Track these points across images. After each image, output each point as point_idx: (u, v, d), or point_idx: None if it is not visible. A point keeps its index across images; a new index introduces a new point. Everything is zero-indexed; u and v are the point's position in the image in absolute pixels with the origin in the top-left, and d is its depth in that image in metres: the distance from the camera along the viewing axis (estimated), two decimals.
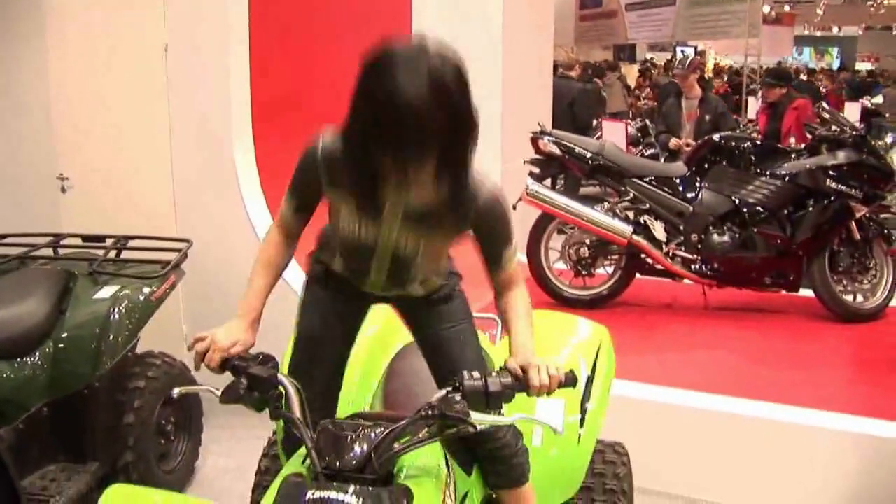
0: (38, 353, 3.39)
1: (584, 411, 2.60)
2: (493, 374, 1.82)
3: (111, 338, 3.51)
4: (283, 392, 1.90)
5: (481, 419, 1.76)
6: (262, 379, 1.87)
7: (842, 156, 5.10)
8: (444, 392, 1.79)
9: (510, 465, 2.29)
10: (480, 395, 1.78)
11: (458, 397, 1.76)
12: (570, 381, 1.88)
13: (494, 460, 2.29)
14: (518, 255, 2.14)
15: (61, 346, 3.45)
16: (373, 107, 1.69)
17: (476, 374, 1.79)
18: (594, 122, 10.30)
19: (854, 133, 5.22)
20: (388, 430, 1.73)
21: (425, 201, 1.93)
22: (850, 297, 5.17)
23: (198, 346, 1.97)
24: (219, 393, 1.88)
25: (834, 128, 5.39)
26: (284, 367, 2.39)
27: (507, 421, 1.85)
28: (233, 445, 4.34)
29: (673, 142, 7.41)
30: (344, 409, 2.43)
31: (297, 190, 2.14)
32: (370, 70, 1.71)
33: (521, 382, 1.85)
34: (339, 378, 2.38)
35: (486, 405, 1.79)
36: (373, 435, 1.72)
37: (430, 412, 1.75)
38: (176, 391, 1.99)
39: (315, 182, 2.05)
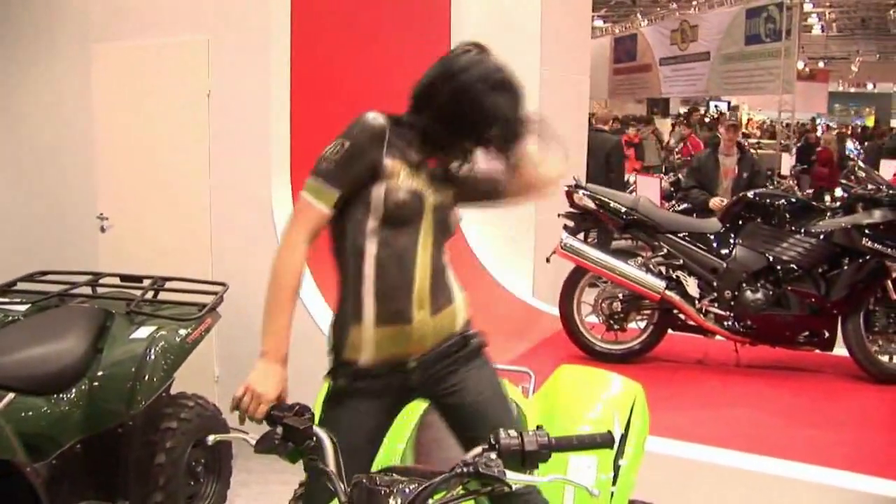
0: (73, 391, 3.43)
1: (616, 469, 2.58)
2: (531, 432, 1.79)
3: (146, 378, 3.55)
4: (319, 444, 1.89)
5: (517, 479, 1.72)
6: (298, 430, 1.86)
7: (878, 214, 5.07)
8: (479, 449, 1.77)
9: None
10: (517, 453, 1.75)
11: (493, 455, 1.73)
12: (606, 441, 1.87)
13: None
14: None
15: (97, 384, 3.49)
16: (488, 92, 2.13)
17: (513, 433, 1.77)
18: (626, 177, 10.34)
19: (890, 192, 5.19)
20: (422, 487, 1.71)
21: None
22: (885, 358, 5.10)
23: (242, 403, 2.00)
24: (253, 442, 1.88)
25: (870, 186, 5.38)
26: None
27: (543, 480, 1.80)
28: (261, 490, 4.34)
29: (714, 202, 7.19)
30: (376, 461, 2.43)
31: (348, 171, 2.13)
32: (465, 58, 2.17)
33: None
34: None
35: (522, 464, 1.76)
36: (407, 490, 1.70)
37: (465, 469, 1.72)
38: (211, 438, 2.00)
39: (376, 150, 2.14)
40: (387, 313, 2.17)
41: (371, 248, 2.16)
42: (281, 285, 2.15)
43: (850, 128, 24.39)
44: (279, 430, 1.87)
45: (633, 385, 2.96)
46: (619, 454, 2.63)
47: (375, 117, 2.19)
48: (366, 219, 2.15)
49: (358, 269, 2.17)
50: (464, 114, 2.12)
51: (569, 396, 2.81)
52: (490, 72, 2.15)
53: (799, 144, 15.72)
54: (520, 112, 2.16)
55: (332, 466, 1.85)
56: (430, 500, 1.74)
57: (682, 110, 24.00)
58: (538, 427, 1.85)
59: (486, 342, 2.36)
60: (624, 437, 2.67)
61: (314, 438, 1.89)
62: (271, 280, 2.15)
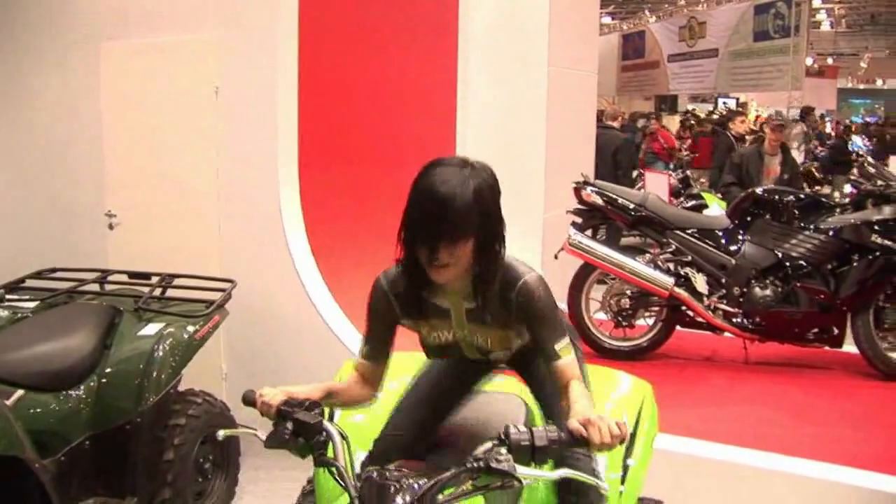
0: (82, 387, 3.45)
1: (625, 468, 2.57)
2: (541, 428, 1.79)
3: (154, 374, 3.56)
4: (329, 439, 1.90)
5: (526, 473, 1.73)
6: (308, 425, 1.87)
7: (888, 210, 5.04)
8: (489, 444, 1.77)
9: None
10: (526, 449, 1.75)
11: (503, 450, 1.73)
12: (625, 434, 1.86)
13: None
14: (572, 353, 2.13)
15: (105, 380, 3.51)
16: (418, 200, 1.95)
17: (522, 428, 1.76)
18: (634, 173, 10.34)
19: None
20: (432, 482, 1.72)
21: (474, 301, 2.14)
22: (895, 355, 5.08)
23: (261, 390, 2.02)
24: (263, 437, 1.89)
25: (879, 182, 5.35)
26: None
27: (553, 476, 1.82)
28: (269, 486, 4.35)
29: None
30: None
31: (371, 330, 2.26)
32: (420, 176, 1.98)
33: (578, 439, 1.81)
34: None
35: (532, 459, 1.76)
36: (416, 486, 1.71)
37: (475, 465, 1.73)
38: (221, 433, 2.01)
39: (390, 313, 2.22)
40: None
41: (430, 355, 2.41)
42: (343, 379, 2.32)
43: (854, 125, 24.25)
44: (289, 425, 1.88)
45: (642, 384, 2.95)
46: (628, 453, 2.62)
47: (379, 282, 2.22)
48: None
49: None
50: (405, 235, 2.03)
51: None
52: (426, 182, 1.95)
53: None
54: (443, 215, 1.92)
55: (341, 461, 1.86)
56: (440, 496, 1.75)
57: (690, 107, 23.94)
58: (548, 422, 1.85)
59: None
60: (633, 436, 2.67)
61: (324, 433, 1.89)
62: None
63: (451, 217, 1.91)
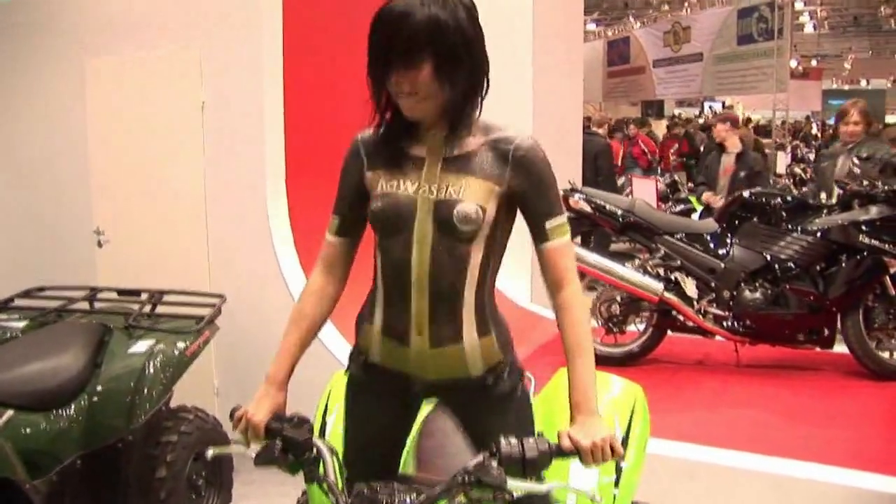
0: (73, 406, 3.42)
1: (618, 471, 2.57)
2: (531, 439, 1.77)
3: (145, 392, 3.54)
4: (319, 455, 1.88)
5: (518, 486, 1.71)
6: (298, 442, 1.85)
7: (874, 211, 5.07)
8: (480, 457, 1.75)
9: None
10: (517, 461, 1.73)
11: (494, 463, 1.72)
12: (618, 455, 1.85)
13: None
14: (568, 235, 1.99)
15: (96, 399, 3.48)
16: (373, 24, 1.86)
17: (513, 440, 1.74)
18: (621, 180, 10.42)
19: (886, 188, 5.19)
20: (423, 497, 1.72)
21: (458, 147, 1.96)
22: (886, 354, 5.10)
23: (239, 427, 1.97)
24: (253, 454, 1.87)
25: (865, 182, 5.37)
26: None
27: (544, 489, 1.78)
28: (262, 501, 4.33)
29: (706, 196, 7.42)
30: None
31: (341, 196, 2.11)
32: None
33: (569, 453, 1.80)
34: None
35: (523, 472, 1.74)
36: (408, 500, 1.71)
37: (465, 478, 1.71)
38: (210, 451, 1.99)
39: (357, 166, 2.06)
40: (390, 326, 2.05)
41: (379, 259, 2.05)
42: (291, 313, 2.14)
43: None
44: (278, 442, 1.86)
45: (634, 387, 2.95)
46: (621, 457, 2.62)
47: (355, 137, 2.11)
48: (375, 232, 2.08)
49: (375, 276, 2.09)
50: (371, 67, 1.93)
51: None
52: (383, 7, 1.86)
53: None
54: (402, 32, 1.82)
55: (332, 477, 1.84)
56: None
57: (677, 111, 24.04)
58: (539, 434, 1.84)
59: (516, 385, 2.11)
60: (625, 440, 2.67)
61: (314, 450, 1.88)
62: None
63: (403, 34, 1.81)
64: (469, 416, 2.11)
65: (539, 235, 1.97)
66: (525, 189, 1.96)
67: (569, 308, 1.96)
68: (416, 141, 2.00)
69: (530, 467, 1.74)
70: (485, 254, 1.98)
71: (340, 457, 2.00)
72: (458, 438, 2.28)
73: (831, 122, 20.84)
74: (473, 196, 1.92)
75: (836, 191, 5.71)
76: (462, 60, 1.88)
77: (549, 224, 1.95)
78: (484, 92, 1.97)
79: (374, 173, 2.03)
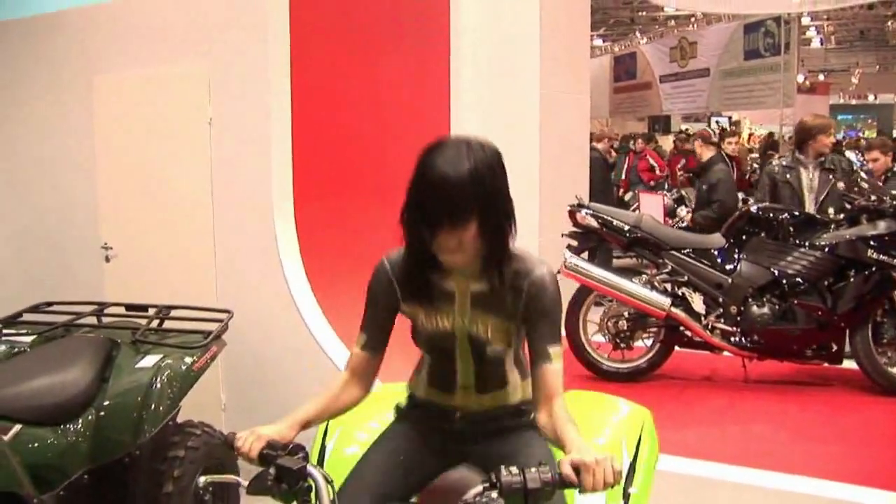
0: (80, 421, 3.43)
1: (627, 497, 2.54)
2: (533, 469, 1.73)
3: (153, 407, 3.54)
4: (313, 485, 1.85)
5: None
6: (291, 471, 1.82)
7: (882, 226, 5.05)
8: (480, 487, 1.72)
9: None
10: (519, 492, 1.69)
11: (494, 494, 1.69)
12: (618, 479, 1.83)
13: None
14: (562, 363, 2.10)
15: (103, 413, 3.49)
16: (417, 184, 1.91)
17: (514, 470, 1.71)
18: (628, 195, 10.44)
19: (894, 202, 5.18)
20: None
21: (484, 283, 2.08)
22: (895, 370, 5.07)
23: (238, 439, 1.98)
24: (245, 483, 1.85)
25: (873, 198, 5.36)
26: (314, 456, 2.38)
27: None
28: None
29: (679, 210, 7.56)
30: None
31: (372, 317, 2.20)
32: (419, 159, 1.94)
33: (571, 483, 1.76)
34: None
35: (525, 503, 1.71)
36: None
37: None
38: (202, 480, 1.99)
39: (391, 297, 2.16)
40: (437, 383, 2.27)
41: (424, 357, 2.28)
42: (332, 385, 2.22)
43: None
44: (272, 470, 1.83)
45: (642, 410, 2.93)
46: (630, 482, 2.59)
47: (382, 264, 2.19)
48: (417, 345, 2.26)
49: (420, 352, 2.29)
50: (411, 219, 1.98)
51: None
52: (429, 163, 1.92)
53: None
54: (446, 194, 1.88)
55: None
56: None
57: (684, 127, 24.01)
58: (541, 463, 1.79)
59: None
60: (633, 464, 2.64)
61: (308, 479, 1.85)
62: None
63: (449, 200, 1.87)
64: (503, 438, 2.25)
65: (541, 356, 2.08)
66: (534, 318, 2.09)
67: (557, 411, 2.03)
68: (446, 274, 2.12)
69: (532, 498, 1.70)
70: (514, 351, 2.21)
71: (343, 477, 2.10)
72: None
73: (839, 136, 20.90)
74: (499, 339, 2.14)
75: (809, 203, 5.82)
76: (500, 211, 1.97)
77: (552, 350, 2.07)
78: (514, 232, 2.04)
79: (411, 307, 2.18)
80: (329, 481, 1.86)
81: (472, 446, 2.26)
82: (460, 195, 1.87)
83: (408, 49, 5.17)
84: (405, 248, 2.08)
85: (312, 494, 1.85)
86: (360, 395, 2.23)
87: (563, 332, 5.14)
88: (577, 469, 1.75)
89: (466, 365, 2.19)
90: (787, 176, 6.05)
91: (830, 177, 6.01)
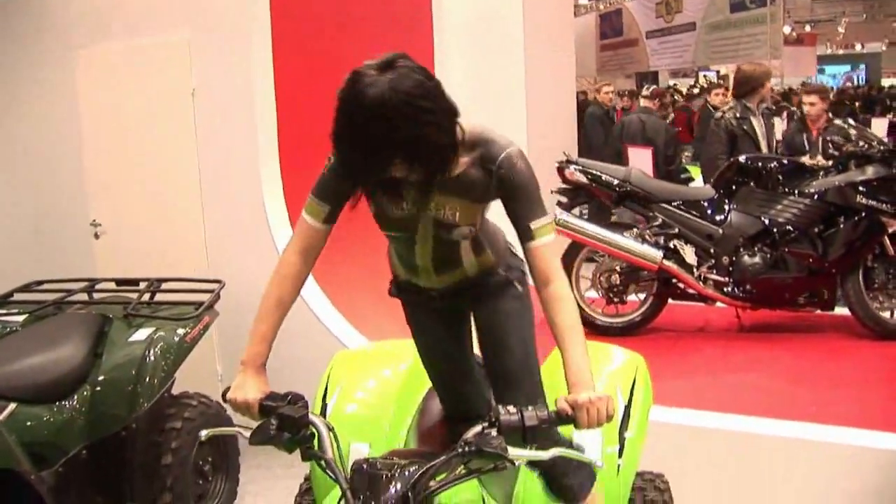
0: (75, 397, 3.43)
1: (622, 441, 2.57)
2: (530, 408, 1.77)
3: (147, 379, 3.55)
4: (315, 432, 1.86)
5: (518, 454, 1.71)
6: (293, 419, 1.82)
7: (871, 171, 5.04)
8: (479, 427, 1.75)
9: (562, 486, 2.32)
10: (517, 430, 1.73)
11: (494, 433, 1.72)
12: (611, 418, 1.86)
13: (550, 483, 2.34)
14: (553, 234, 2.06)
15: (98, 388, 3.49)
16: (333, 140, 1.90)
17: (512, 409, 1.75)
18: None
19: (883, 147, 5.17)
20: (424, 468, 1.70)
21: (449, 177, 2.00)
22: (887, 314, 5.10)
23: (233, 405, 2.01)
24: (248, 434, 1.85)
25: (861, 143, 5.35)
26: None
27: (545, 456, 1.78)
28: (270, 485, 4.34)
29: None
30: (379, 445, 2.43)
31: (332, 188, 2.09)
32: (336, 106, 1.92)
33: (567, 419, 1.81)
34: (475, 378, 2.50)
35: (524, 440, 1.74)
36: (408, 473, 1.68)
37: (466, 448, 1.71)
38: (203, 433, 1.97)
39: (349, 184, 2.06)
40: (404, 263, 2.34)
41: (384, 229, 2.23)
42: (265, 295, 2.12)
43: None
44: (273, 420, 1.84)
45: (635, 356, 2.95)
46: (625, 426, 2.62)
47: None
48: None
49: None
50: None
51: None
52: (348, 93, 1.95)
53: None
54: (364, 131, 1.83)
55: (329, 454, 1.83)
56: (433, 482, 1.73)
57: (672, 83, 23.92)
58: (538, 402, 1.84)
59: (511, 279, 2.34)
60: (627, 409, 2.67)
61: (310, 427, 1.86)
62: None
63: (363, 161, 1.84)
64: (473, 304, 2.37)
65: (525, 235, 2.04)
66: (509, 198, 2.06)
67: (558, 299, 2.02)
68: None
69: (530, 435, 1.75)
70: (474, 235, 2.22)
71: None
72: None
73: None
74: (466, 219, 2.13)
75: (764, 150, 5.87)
76: (429, 144, 1.84)
77: (534, 224, 2.03)
78: (458, 130, 1.95)
79: (377, 196, 2.08)
80: (330, 428, 1.87)
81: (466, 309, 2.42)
82: (374, 153, 1.81)
83: (391, 15, 5.13)
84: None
85: (315, 442, 1.86)
86: (307, 276, 2.16)
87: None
88: (573, 406, 1.81)
89: (424, 248, 2.21)
90: (745, 127, 6.04)
91: (771, 121, 6.12)
